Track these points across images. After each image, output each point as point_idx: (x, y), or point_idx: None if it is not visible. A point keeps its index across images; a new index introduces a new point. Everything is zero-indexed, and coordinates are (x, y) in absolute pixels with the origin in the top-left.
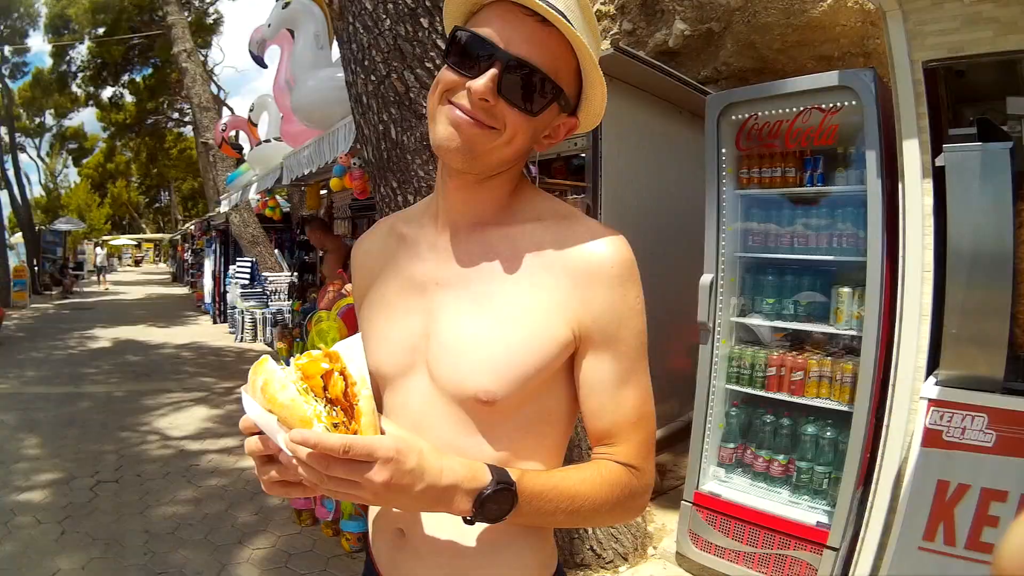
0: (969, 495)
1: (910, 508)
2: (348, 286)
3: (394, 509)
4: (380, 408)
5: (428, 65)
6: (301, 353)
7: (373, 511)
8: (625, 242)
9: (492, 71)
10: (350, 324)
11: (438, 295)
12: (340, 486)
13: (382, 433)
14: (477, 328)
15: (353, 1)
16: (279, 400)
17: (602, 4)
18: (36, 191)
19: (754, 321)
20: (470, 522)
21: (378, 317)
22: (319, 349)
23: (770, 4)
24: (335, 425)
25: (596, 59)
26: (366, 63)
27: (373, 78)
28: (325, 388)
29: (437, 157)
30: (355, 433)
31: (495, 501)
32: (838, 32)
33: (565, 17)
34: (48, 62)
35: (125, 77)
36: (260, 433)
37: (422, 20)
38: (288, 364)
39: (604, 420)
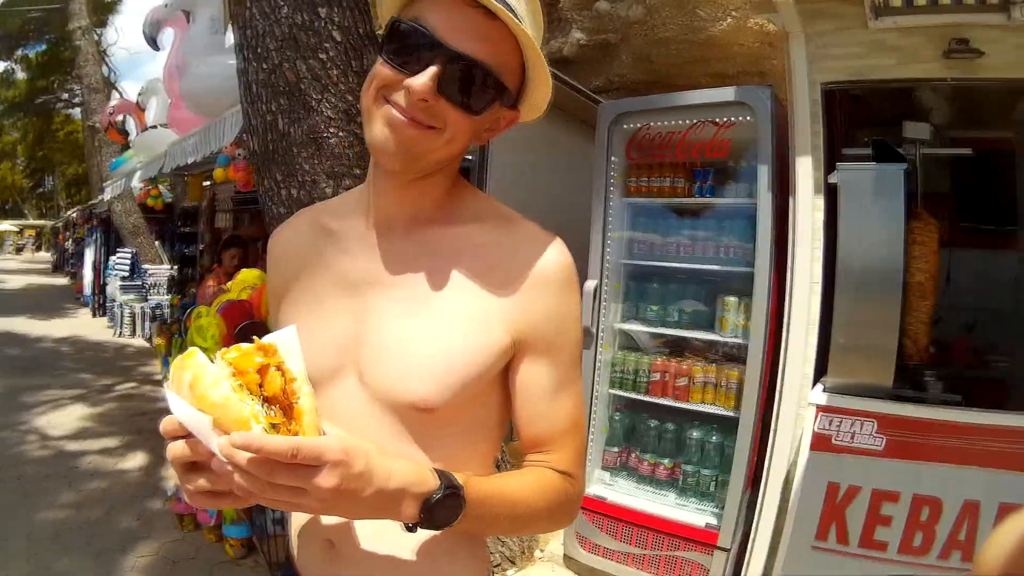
0: (860, 496)
1: (801, 509)
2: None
3: (323, 520)
4: None
5: (321, 56)
6: (179, 350)
7: (296, 520)
8: (565, 247)
9: (433, 69)
10: (230, 320)
11: (370, 295)
12: (282, 494)
13: (324, 434)
14: (413, 332)
15: None
16: (210, 398)
17: None
18: None
19: (638, 327)
20: (412, 529)
21: (303, 315)
22: (194, 346)
23: (670, 19)
24: (274, 426)
25: (540, 51)
26: (259, 50)
27: (265, 66)
28: (261, 385)
29: (372, 153)
30: (296, 434)
31: (444, 507)
32: (735, 51)
33: (512, 10)
34: None
35: (19, 52)
36: (185, 436)
37: (320, 10)
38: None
39: (539, 427)
